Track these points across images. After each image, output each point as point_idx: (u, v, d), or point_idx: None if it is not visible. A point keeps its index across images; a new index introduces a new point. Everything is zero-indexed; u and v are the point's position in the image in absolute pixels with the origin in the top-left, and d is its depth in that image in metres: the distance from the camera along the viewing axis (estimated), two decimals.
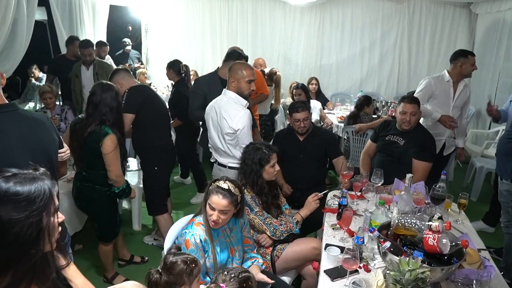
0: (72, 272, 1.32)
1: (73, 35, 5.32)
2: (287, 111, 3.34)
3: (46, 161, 1.67)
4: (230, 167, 2.83)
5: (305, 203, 2.54)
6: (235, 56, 3.47)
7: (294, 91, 4.90)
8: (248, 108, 2.83)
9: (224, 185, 1.93)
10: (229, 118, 2.71)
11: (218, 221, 1.93)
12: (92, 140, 2.45)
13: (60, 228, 1.14)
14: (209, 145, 3.04)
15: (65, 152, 1.96)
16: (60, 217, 1.14)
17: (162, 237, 3.14)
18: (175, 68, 4.23)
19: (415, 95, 3.48)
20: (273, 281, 2.09)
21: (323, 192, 2.61)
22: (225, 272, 1.56)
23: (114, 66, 5.64)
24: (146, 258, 3.26)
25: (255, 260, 2.21)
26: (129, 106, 2.87)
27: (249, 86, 2.79)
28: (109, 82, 2.65)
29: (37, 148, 1.70)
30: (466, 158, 5.37)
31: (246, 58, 3.64)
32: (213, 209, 1.92)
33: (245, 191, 2.39)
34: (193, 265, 1.58)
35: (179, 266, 1.56)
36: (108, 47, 5.74)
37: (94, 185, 2.57)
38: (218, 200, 1.90)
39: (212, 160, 3.04)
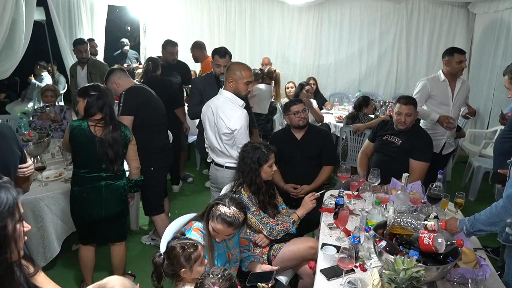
0: (42, 279, 1.31)
1: (168, 39, 4.72)
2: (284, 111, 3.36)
3: (2, 172, 1.54)
4: (227, 167, 2.84)
5: (302, 203, 2.54)
6: (213, 52, 3.53)
7: (306, 87, 4.82)
8: (245, 108, 2.84)
9: (229, 212, 1.88)
10: (226, 118, 2.71)
11: (221, 240, 1.98)
12: (124, 139, 2.54)
13: (25, 238, 1.14)
14: (205, 145, 3.05)
15: (27, 168, 1.86)
16: (26, 226, 1.14)
17: (160, 237, 3.14)
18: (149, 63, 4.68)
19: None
20: (278, 267, 2.15)
21: (320, 192, 2.61)
22: (210, 275, 1.55)
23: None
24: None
25: (254, 258, 2.25)
26: (127, 109, 2.88)
27: (246, 87, 2.80)
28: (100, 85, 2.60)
29: None
30: (464, 158, 5.40)
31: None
32: (217, 233, 1.93)
33: (242, 190, 2.40)
34: (191, 249, 1.65)
35: (175, 250, 1.65)
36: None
37: (121, 181, 2.62)
38: (223, 229, 1.90)
39: (209, 160, 3.05)
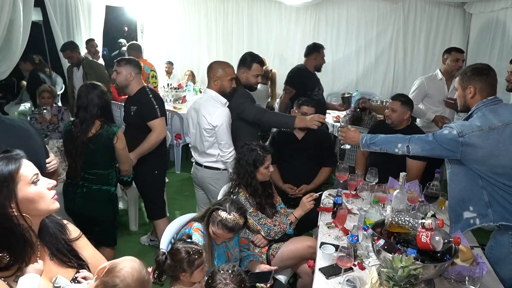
0: (83, 244, 1.42)
1: (317, 43, 4.23)
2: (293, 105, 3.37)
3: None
4: (206, 167, 2.91)
5: (299, 203, 2.55)
6: (247, 59, 3.08)
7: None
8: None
9: (230, 218, 1.90)
10: (208, 115, 2.77)
11: (220, 242, 2.02)
12: (101, 141, 2.44)
13: (52, 193, 1.25)
14: (190, 146, 3.12)
15: (50, 162, 1.85)
16: (50, 182, 1.25)
17: (158, 239, 3.14)
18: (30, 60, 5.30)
19: (409, 95, 3.52)
20: (276, 267, 2.16)
21: (318, 193, 2.61)
22: (221, 272, 1.59)
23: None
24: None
25: (253, 257, 2.26)
26: (163, 110, 2.90)
27: (231, 83, 2.87)
28: (93, 82, 2.56)
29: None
30: None
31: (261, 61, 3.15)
32: (217, 236, 1.96)
33: (240, 191, 2.41)
34: (196, 256, 1.66)
35: (180, 254, 1.66)
36: None
37: (101, 186, 2.55)
38: (223, 234, 1.93)
39: (192, 160, 3.11)
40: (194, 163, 3.06)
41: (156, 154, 2.99)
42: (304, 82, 4.22)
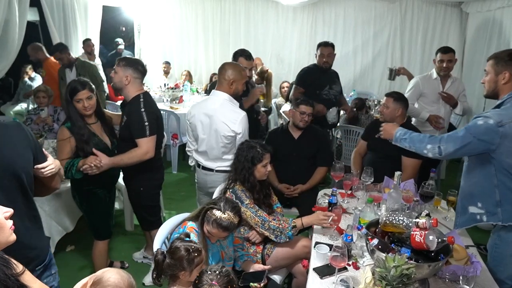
0: (29, 279, 1.27)
1: (323, 41, 4.23)
2: (279, 110, 3.36)
3: (10, 178, 1.51)
4: (217, 171, 2.82)
5: (313, 213, 2.36)
6: (234, 55, 3.19)
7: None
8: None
9: (224, 217, 1.89)
10: (229, 122, 2.69)
11: (215, 241, 2.02)
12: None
13: (10, 223, 1.12)
14: (187, 149, 3.01)
15: (45, 167, 1.68)
16: (7, 210, 1.11)
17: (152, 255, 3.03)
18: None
19: (405, 95, 3.51)
20: (269, 266, 2.15)
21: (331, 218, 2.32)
22: (208, 272, 1.58)
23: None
24: (127, 264, 3.17)
25: (247, 257, 2.26)
26: (153, 127, 2.53)
27: (243, 87, 2.82)
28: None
29: None
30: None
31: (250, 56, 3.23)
32: (211, 235, 1.96)
33: (236, 186, 2.40)
34: (195, 254, 1.66)
35: (180, 252, 1.65)
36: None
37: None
38: (218, 233, 1.93)
39: (191, 164, 3.01)
40: (199, 169, 2.90)
41: (141, 170, 2.64)
42: (312, 81, 4.10)
